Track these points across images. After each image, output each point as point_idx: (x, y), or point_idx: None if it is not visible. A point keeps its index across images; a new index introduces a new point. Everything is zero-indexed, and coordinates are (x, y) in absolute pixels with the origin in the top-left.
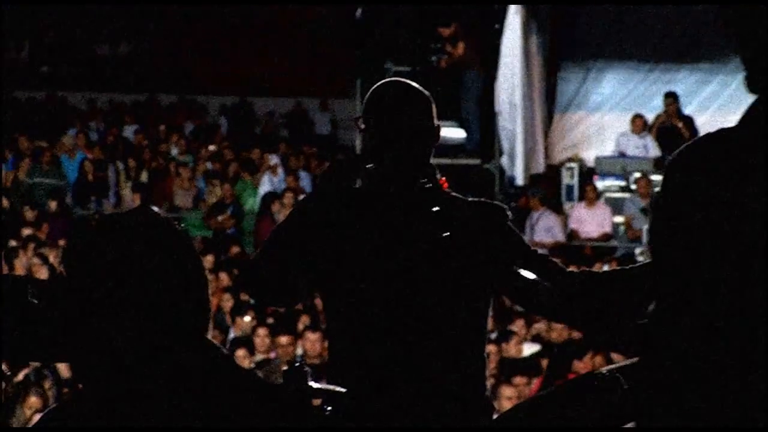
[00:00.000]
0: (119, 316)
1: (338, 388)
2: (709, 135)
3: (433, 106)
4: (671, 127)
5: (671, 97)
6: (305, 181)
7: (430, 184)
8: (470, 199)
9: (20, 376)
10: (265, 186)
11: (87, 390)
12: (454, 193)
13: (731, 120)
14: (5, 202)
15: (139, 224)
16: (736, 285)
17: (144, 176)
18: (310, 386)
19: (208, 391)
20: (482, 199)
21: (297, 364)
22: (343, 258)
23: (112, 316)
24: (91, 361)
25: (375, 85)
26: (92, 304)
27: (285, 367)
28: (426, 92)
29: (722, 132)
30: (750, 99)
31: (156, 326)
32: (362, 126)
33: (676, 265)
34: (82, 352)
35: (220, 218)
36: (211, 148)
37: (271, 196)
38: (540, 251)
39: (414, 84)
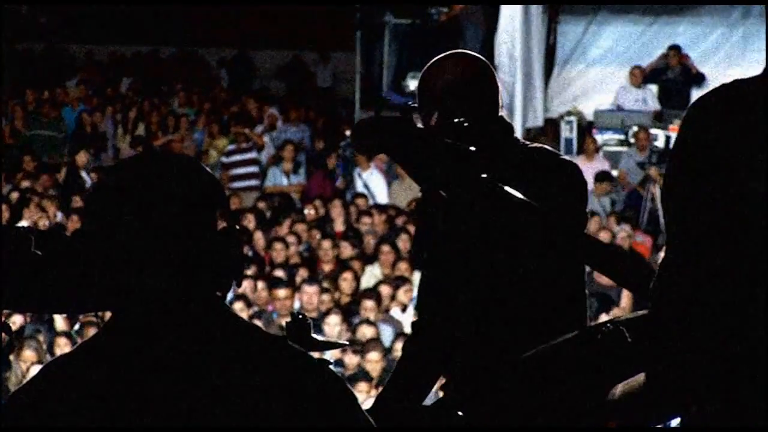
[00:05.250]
0: (141, 267)
1: (340, 341)
2: (726, 86)
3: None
4: (673, 79)
5: (675, 50)
6: (306, 134)
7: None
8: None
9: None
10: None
11: (97, 341)
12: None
13: (732, 73)
14: None
15: (174, 168)
16: (742, 241)
17: (141, 129)
18: (314, 338)
19: (224, 356)
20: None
21: (300, 316)
22: None
23: (133, 267)
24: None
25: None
26: (115, 254)
27: (287, 320)
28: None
29: (740, 82)
30: (750, 52)
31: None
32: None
33: (683, 217)
34: (98, 303)
35: None
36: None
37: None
38: None
39: (454, 63)
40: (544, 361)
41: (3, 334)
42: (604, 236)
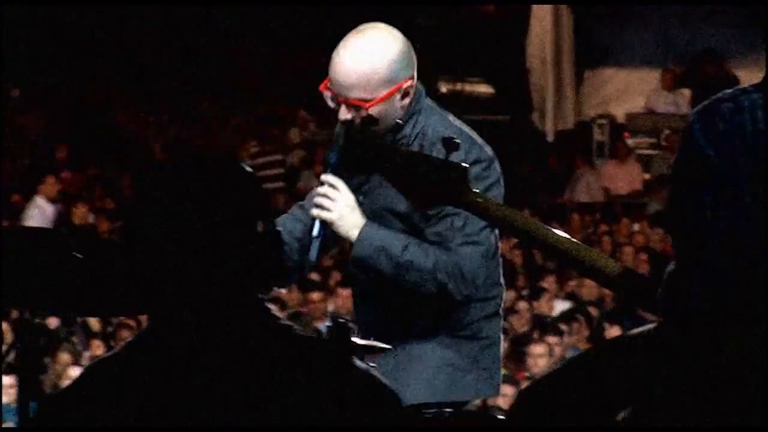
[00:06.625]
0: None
1: (383, 345)
2: (725, 95)
3: (375, 77)
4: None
5: (709, 53)
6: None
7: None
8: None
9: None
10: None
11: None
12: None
13: None
14: None
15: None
16: (750, 252)
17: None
18: (355, 342)
19: (265, 360)
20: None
21: (341, 320)
22: None
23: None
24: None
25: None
26: (157, 257)
27: (328, 323)
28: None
29: (740, 91)
30: None
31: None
32: None
33: (688, 228)
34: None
35: None
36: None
37: None
38: None
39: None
40: (575, 374)
41: (40, 337)
42: (639, 239)
